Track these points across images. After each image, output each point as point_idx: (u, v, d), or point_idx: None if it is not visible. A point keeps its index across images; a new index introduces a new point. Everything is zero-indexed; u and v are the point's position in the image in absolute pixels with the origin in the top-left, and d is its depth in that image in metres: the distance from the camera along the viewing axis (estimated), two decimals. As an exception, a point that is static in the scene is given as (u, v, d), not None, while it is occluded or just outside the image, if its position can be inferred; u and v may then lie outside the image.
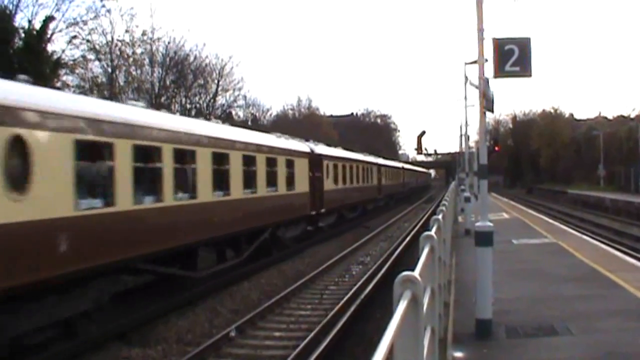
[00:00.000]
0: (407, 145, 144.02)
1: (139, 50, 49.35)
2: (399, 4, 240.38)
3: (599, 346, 8.60)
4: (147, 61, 50.75)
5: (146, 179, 15.27)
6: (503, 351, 8.74)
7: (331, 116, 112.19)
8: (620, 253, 19.63)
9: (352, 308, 15.39)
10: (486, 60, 9.97)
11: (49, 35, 38.84)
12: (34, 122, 11.20)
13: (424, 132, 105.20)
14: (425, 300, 5.36)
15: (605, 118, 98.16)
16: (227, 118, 55.10)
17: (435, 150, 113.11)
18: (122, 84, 49.14)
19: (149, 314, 14.99)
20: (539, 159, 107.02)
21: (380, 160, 57.33)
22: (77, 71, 43.80)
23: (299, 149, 29.42)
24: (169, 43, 51.89)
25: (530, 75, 9.75)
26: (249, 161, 21.85)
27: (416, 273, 4.10)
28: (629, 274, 14.19)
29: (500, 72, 9.67)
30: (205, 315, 15.41)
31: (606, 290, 12.46)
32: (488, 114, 10.39)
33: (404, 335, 3.71)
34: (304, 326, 14.47)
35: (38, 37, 37.03)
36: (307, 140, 34.82)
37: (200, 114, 52.51)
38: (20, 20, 39.16)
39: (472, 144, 41.74)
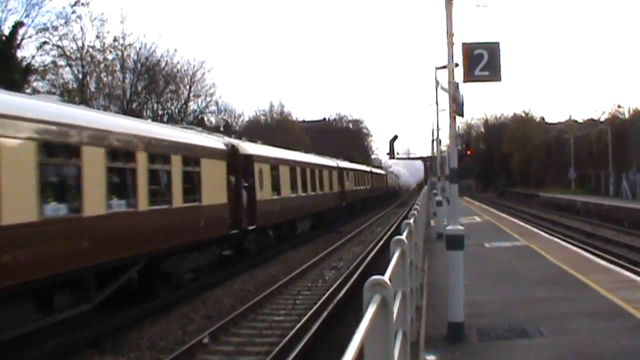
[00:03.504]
0: (379, 150, 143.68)
1: (110, 56, 49.23)
2: (370, 9, 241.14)
3: (570, 347, 8.69)
4: (118, 67, 50.58)
5: None
6: (475, 354, 8.79)
7: (303, 121, 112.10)
8: (591, 255, 19.85)
9: (325, 313, 15.40)
10: (456, 65, 10.04)
11: (18, 41, 38.57)
12: None
13: (396, 137, 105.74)
14: (396, 304, 5.37)
15: (576, 121, 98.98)
16: (199, 124, 54.95)
17: (408, 155, 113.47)
18: (93, 90, 48.86)
19: (121, 321, 14.87)
20: (511, 163, 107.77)
21: (343, 163, 52.26)
22: (47, 77, 43.54)
23: (208, 144, 21.67)
24: (140, 49, 51.82)
25: (499, 80, 9.83)
26: (116, 160, 15.08)
27: (386, 277, 4.12)
28: (599, 275, 14.35)
29: (469, 76, 9.74)
30: (178, 322, 15.32)
31: (577, 292, 12.58)
32: (459, 118, 10.46)
33: (373, 339, 3.72)
34: (277, 332, 14.42)
35: (7, 43, 36.77)
36: (241, 138, 29.24)
37: (172, 120, 52.39)
38: (-11, 26, 38.85)
39: (444, 148, 41.91)
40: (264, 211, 26.16)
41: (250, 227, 24.52)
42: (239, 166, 24.06)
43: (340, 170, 48.47)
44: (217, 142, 22.84)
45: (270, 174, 28.19)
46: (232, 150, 23.74)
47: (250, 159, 25.53)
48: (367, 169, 70.58)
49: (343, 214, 48.91)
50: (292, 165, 33.17)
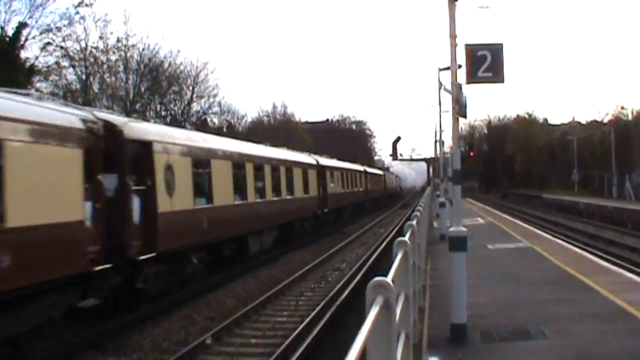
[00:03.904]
0: (383, 151, 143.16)
1: (113, 57, 49.35)
2: (373, 11, 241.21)
3: (573, 349, 8.67)
4: (121, 68, 50.68)
5: None
6: (478, 356, 8.77)
7: (306, 122, 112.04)
8: (594, 257, 19.79)
9: (328, 314, 15.38)
10: (459, 67, 10.04)
11: (22, 42, 38.63)
12: None
13: (399, 138, 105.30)
14: (399, 306, 5.37)
15: (579, 123, 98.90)
16: (202, 125, 54.99)
17: (410, 156, 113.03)
18: (96, 90, 48.97)
19: (124, 322, 14.87)
20: (514, 164, 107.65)
21: (326, 161, 44.18)
22: (50, 78, 43.61)
23: (23, 116, 11.71)
24: (143, 50, 51.95)
25: (502, 81, 9.82)
26: None
27: (388, 278, 4.11)
28: (602, 277, 14.32)
29: (473, 78, 9.73)
30: (181, 323, 15.31)
31: (580, 294, 12.56)
32: (462, 119, 10.47)
33: (376, 341, 3.71)
34: (280, 333, 14.43)
35: (11, 44, 36.81)
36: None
37: (175, 120, 52.44)
38: (-7, 27, 38.94)
39: (447, 149, 41.79)
40: (174, 228, 17.39)
41: (147, 256, 15.82)
42: (124, 159, 15.41)
43: (321, 168, 40.00)
44: (61, 115, 13.25)
45: (192, 171, 19.32)
46: (106, 132, 14.69)
47: (147, 147, 16.57)
48: (360, 168, 61.54)
49: (325, 223, 40.52)
50: (239, 160, 23.97)
